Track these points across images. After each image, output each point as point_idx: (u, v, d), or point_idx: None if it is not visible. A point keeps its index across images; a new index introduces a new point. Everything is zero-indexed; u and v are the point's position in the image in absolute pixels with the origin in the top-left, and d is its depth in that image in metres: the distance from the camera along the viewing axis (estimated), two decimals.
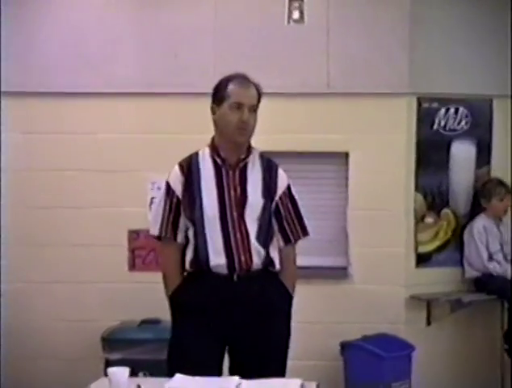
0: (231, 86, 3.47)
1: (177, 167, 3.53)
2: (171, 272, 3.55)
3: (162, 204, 3.52)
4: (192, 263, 3.49)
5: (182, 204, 3.47)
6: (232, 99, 3.45)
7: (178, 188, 3.48)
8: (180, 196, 3.48)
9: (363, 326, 5.76)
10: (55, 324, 5.88)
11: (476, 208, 6.13)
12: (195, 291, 3.47)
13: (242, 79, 3.52)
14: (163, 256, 3.68)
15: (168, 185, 3.52)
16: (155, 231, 3.56)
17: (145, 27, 5.87)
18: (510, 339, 5.89)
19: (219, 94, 3.49)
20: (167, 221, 3.51)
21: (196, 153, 3.55)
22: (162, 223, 3.52)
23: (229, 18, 5.82)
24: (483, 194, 6.08)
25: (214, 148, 3.52)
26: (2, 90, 5.78)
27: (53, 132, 5.90)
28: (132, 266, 5.88)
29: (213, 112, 3.52)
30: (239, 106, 3.45)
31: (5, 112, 5.89)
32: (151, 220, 3.63)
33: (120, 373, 2.94)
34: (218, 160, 3.51)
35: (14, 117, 5.91)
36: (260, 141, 5.83)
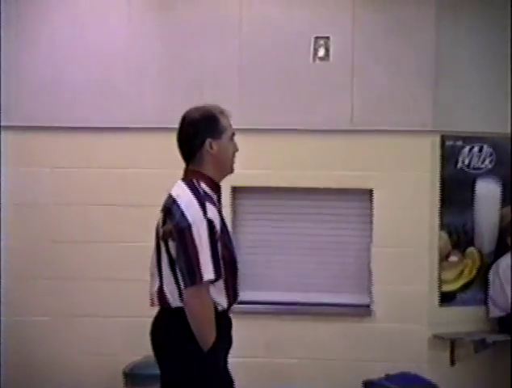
0: (223, 119, 3.40)
1: (211, 205, 3.29)
2: (213, 317, 3.27)
3: (209, 243, 3.23)
4: (229, 301, 3.35)
5: (220, 243, 3.28)
6: (229, 131, 3.41)
7: (218, 227, 3.28)
8: (219, 235, 3.29)
9: (386, 365, 5.70)
10: (78, 357, 5.88)
11: (501, 247, 6.08)
12: (229, 327, 3.41)
13: (223, 109, 3.44)
14: (206, 302, 3.25)
15: (211, 223, 3.25)
16: (210, 274, 3.22)
17: (171, 63, 5.93)
18: None
19: (216, 128, 3.37)
20: (219, 261, 3.26)
21: (204, 191, 3.34)
22: (215, 264, 3.23)
23: (255, 55, 5.88)
24: (508, 232, 6.05)
25: (212, 183, 3.38)
26: (28, 124, 5.88)
27: (81, 166, 5.96)
28: None
29: (209, 147, 3.35)
30: (233, 136, 3.44)
31: (32, 147, 5.96)
32: (202, 264, 3.21)
33: None
34: (214, 195, 3.39)
35: (40, 152, 5.98)
36: (286, 177, 5.90)
